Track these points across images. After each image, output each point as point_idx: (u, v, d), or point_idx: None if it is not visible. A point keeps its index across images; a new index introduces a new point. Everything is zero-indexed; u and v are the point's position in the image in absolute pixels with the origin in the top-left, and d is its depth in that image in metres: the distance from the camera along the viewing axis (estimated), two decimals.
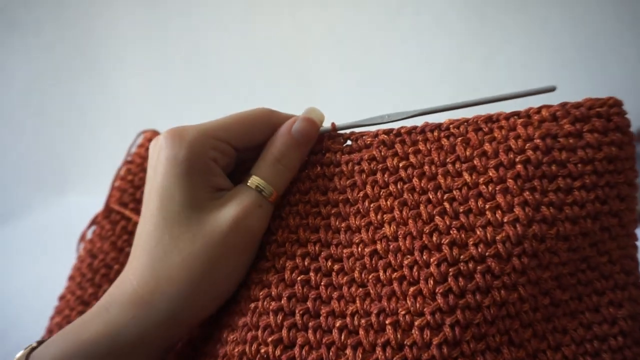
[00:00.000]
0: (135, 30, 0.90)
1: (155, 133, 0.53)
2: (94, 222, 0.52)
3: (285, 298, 0.34)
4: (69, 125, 0.93)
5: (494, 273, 0.31)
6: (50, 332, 0.48)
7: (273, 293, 0.34)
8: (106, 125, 0.96)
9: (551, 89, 0.34)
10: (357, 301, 0.33)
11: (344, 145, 0.39)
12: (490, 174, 0.34)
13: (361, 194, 0.36)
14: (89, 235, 0.51)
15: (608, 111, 0.34)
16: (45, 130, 0.94)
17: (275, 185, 0.36)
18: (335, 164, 0.38)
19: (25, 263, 0.80)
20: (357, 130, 0.39)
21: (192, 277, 0.32)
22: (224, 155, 0.36)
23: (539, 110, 0.35)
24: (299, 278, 0.35)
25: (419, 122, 0.38)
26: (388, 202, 0.35)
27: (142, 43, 0.90)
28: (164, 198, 0.34)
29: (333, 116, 0.83)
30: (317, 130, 0.39)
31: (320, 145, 0.39)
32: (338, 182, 0.37)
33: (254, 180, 0.36)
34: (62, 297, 0.50)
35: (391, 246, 0.33)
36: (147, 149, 0.52)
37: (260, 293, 0.35)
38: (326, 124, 0.40)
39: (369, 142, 0.38)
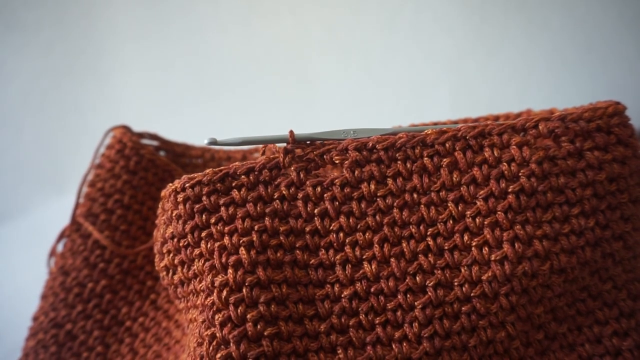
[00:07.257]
0: (136, 30, 0.90)
1: (126, 130, 0.49)
2: (62, 235, 0.47)
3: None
4: (68, 125, 0.92)
5: (480, 313, 0.30)
6: (26, 356, 0.45)
7: (234, 355, 0.28)
8: (106, 125, 0.97)
9: None
10: (340, 352, 0.29)
11: (305, 159, 0.32)
12: (479, 204, 0.30)
13: (334, 225, 0.31)
14: (60, 249, 0.47)
15: (608, 122, 0.31)
16: (45, 130, 0.93)
17: None
18: (296, 185, 0.31)
19: (25, 263, 0.80)
20: (318, 142, 0.32)
21: None
22: None
23: (535, 124, 0.31)
24: (266, 332, 0.29)
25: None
26: (366, 236, 0.31)
27: (142, 43, 0.90)
28: None
29: (333, 115, 0.83)
30: None
31: (274, 159, 0.31)
32: (303, 208, 0.31)
33: None
34: (35, 319, 0.46)
35: (372, 288, 0.30)
36: (117, 151, 0.48)
37: (217, 355, 0.28)
38: (326, 125, 0.34)
39: (337, 159, 0.31)
